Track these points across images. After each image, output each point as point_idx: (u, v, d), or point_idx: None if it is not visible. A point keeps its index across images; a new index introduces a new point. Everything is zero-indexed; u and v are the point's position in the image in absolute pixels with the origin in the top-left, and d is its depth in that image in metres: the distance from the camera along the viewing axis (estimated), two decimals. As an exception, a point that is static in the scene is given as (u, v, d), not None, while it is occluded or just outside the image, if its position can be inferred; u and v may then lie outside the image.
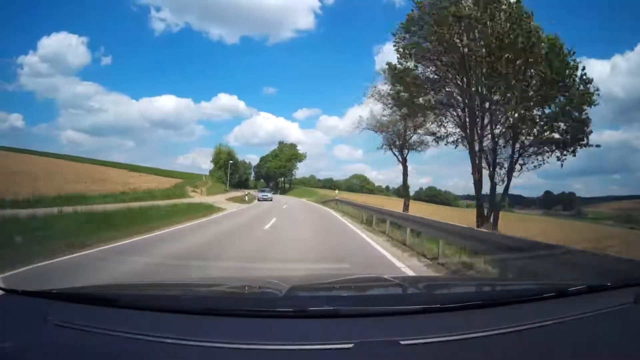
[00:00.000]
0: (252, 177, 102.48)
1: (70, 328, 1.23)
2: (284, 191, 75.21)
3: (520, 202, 68.67)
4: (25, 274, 5.04)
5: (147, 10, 69.26)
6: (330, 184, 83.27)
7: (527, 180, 75.13)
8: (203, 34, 70.57)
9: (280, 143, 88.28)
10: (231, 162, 66.60)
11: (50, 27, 73.68)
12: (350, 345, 1.08)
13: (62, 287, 1.71)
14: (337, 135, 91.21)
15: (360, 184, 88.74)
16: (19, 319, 1.34)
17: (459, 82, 13.84)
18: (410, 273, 5.80)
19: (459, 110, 14.46)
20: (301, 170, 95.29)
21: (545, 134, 13.12)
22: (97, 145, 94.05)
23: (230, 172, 64.43)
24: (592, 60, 51.12)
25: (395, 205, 23.90)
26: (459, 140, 15.25)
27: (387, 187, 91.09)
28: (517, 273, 5.27)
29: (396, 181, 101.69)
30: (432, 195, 77.78)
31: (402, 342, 1.10)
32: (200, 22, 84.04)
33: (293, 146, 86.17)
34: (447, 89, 14.58)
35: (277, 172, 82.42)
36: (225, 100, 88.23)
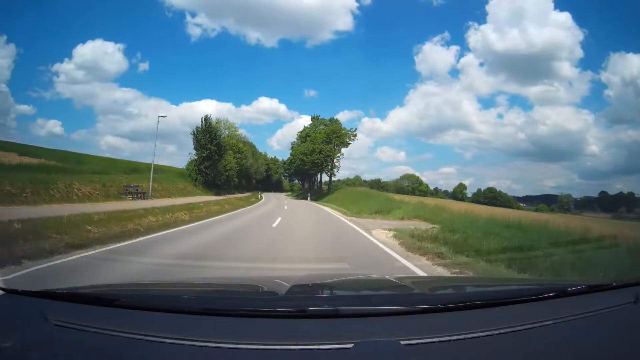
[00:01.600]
0: (284, 178, 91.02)
1: (70, 328, 1.23)
2: (318, 194, 48.44)
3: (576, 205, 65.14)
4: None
5: (182, 16, 69.13)
6: (377, 185, 67.73)
7: (568, 181, 73.28)
8: (241, 38, 70.12)
9: (314, 117, 58.02)
10: (242, 156, 53.17)
11: (85, 34, 73.50)
12: (350, 345, 1.08)
13: (62, 287, 1.71)
14: (380, 137, 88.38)
15: (411, 186, 76.38)
16: (19, 319, 1.34)
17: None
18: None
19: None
20: (343, 172, 77.85)
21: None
22: (138, 150, 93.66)
23: (240, 169, 50.77)
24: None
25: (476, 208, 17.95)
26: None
27: (436, 189, 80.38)
28: (517, 273, 5.26)
29: (439, 183, 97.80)
30: (491, 197, 69.27)
31: (402, 342, 1.10)
32: (237, 26, 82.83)
33: (335, 122, 54.50)
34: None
35: (308, 161, 50.44)
36: (266, 104, 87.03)
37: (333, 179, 56.98)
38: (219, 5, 72.89)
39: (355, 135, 51.02)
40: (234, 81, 76.66)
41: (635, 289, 1.51)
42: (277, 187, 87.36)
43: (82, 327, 1.22)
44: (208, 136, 39.63)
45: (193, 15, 79.24)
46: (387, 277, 2.23)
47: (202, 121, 40.00)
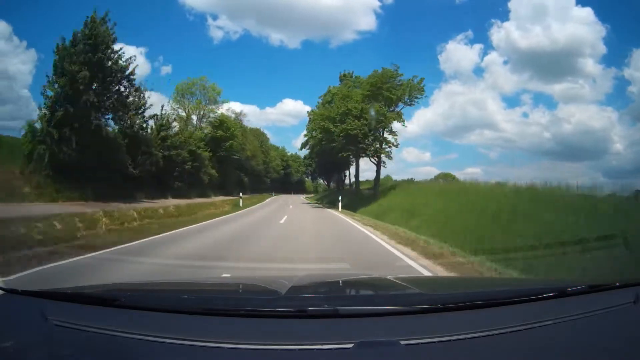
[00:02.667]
0: (306, 177, 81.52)
1: (70, 328, 1.23)
2: (355, 198, 27.68)
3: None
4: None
5: (204, 19, 68.21)
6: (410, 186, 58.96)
7: (592, 180, 72.18)
8: (263, 40, 69.49)
9: (345, 75, 36.96)
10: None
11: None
12: (350, 345, 1.08)
13: (62, 287, 1.71)
14: (406, 138, 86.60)
15: (449, 186, 66.78)
16: (19, 319, 1.34)
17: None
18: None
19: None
20: (365, 173, 71.51)
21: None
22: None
23: (224, 155, 35.01)
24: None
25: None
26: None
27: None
28: (517, 273, 5.26)
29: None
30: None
31: (402, 342, 1.10)
32: (259, 28, 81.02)
33: (386, 71, 25.63)
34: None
35: (338, 135, 24.79)
36: (291, 106, 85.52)
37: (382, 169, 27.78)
38: (240, 7, 71.68)
39: (423, 90, 25.88)
40: (257, 83, 75.32)
41: (635, 289, 1.51)
42: (298, 188, 78.51)
43: (82, 327, 1.22)
44: (89, 55, 17.14)
45: (214, 18, 78.54)
46: (387, 277, 2.22)
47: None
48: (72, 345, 1.17)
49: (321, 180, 65.09)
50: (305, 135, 35.79)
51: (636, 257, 4.99)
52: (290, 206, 26.56)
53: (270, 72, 78.50)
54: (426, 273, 5.42)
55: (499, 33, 59.80)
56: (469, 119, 65.52)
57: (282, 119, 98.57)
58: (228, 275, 5.05)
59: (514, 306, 1.42)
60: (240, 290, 1.92)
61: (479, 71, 71.45)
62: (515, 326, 1.22)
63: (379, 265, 6.51)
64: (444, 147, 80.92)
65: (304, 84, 78.90)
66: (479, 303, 1.44)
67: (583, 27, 52.05)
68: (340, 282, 2.20)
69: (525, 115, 64.96)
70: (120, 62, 18.93)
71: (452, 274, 5.60)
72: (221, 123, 36.16)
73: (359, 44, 64.92)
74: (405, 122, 25.97)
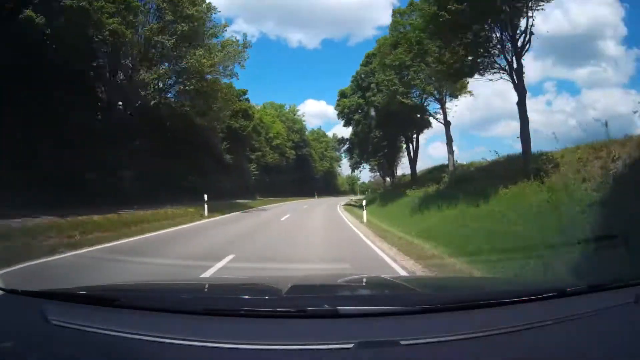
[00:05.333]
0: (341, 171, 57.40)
1: (70, 328, 1.23)
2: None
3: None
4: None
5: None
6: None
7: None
8: (282, 41, 67.96)
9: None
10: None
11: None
12: (350, 345, 1.08)
13: (63, 287, 1.71)
14: (431, 133, 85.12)
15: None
16: (19, 319, 1.34)
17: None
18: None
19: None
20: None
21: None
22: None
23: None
24: None
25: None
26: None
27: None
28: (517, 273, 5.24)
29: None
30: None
31: (402, 342, 1.10)
32: (277, 29, 78.70)
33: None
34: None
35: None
36: (313, 106, 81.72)
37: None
38: (258, 9, 68.92)
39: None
40: (279, 85, 73.36)
41: (635, 289, 1.51)
42: (324, 186, 53.21)
43: (82, 327, 1.22)
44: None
45: (230, 22, 76.46)
46: (386, 277, 2.23)
47: None
48: (72, 345, 1.17)
49: (365, 172, 40.03)
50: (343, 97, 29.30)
51: (636, 257, 5.00)
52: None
53: (291, 73, 76.16)
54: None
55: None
56: (493, 110, 63.40)
57: (306, 120, 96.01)
58: (234, 264, 5.00)
59: (514, 306, 1.42)
60: (240, 290, 1.92)
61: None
62: (515, 326, 1.22)
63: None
64: (470, 140, 78.96)
65: (325, 83, 77.07)
66: (479, 303, 1.44)
67: (602, 8, 50.25)
68: (340, 282, 2.20)
69: (549, 103, 63.54)
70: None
71: (452, 274, 5.60)
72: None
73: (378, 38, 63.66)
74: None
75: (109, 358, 1.13)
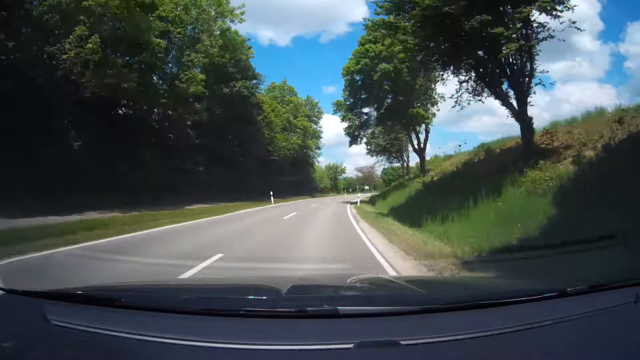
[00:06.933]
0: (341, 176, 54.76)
1: (70, 328, 1.23)
2: None
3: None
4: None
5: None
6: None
7: None
8: (252, 39, 67.01)
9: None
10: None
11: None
12: (350, 345, 1.08)
13: (63, 287, 1.71)
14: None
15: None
16: (19, 319, 1.34)
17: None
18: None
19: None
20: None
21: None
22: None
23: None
24: None
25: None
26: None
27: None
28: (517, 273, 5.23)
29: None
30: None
31: (402, 342, 1.10)
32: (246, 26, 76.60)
33: None
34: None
35: None
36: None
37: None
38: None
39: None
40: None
41: (635, 289, 1.51)
42: (308, 185, 48.48)
43: (82, 327, 1.22)
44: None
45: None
46: (387, 277, 2.23)
47: None
48: (72, 345, 1.17)
49: (349, 166, 34.03)
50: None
51: (636, 257, 5.00)
52: None
53: (262, 71, 75.21)
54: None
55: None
56: (467, 108, 63.40)
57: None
58: (234, 264, 4.99)
59: (514, 306, 1.42)
60: (241, 290, 1.92)
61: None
62: (515, 326, 1.22)
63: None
64: (445, 136, 79.85)
65: (298, 82, 77.28)
66: (479, 303, 1.44)
67: (579, 1, 50.27)
68: (341, 282, 2.19)
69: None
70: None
71: (451, 275, 5.59)
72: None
73: (351, 36, 63.98)
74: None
75: (109, 358, 1.13)
